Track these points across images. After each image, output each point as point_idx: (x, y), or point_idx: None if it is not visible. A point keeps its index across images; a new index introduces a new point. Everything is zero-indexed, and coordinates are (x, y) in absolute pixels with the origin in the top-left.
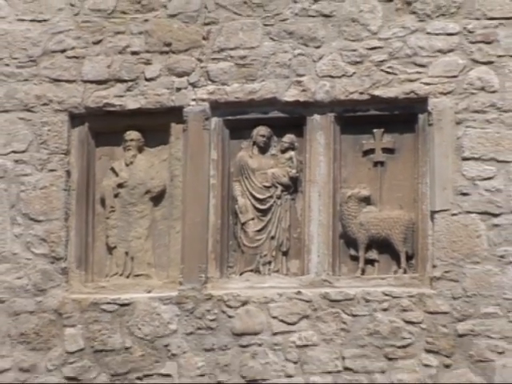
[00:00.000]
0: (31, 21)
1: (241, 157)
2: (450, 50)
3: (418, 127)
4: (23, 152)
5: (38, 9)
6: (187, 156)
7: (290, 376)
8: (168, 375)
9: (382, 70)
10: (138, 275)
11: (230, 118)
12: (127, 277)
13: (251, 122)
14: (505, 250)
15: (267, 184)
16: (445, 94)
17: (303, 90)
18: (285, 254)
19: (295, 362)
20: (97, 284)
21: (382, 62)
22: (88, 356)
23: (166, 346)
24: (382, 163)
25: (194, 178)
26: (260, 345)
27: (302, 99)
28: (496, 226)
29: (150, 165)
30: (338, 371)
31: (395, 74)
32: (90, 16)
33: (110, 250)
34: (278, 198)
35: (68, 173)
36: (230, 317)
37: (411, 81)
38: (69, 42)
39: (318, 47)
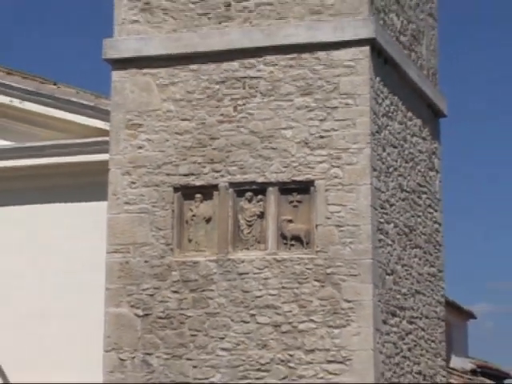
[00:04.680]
0: (158, 151)
1: (241, 204)
2: (323, 162)
3: (311, 192)
4: (155, 202)
5: (158, 146)
6: (220, 204)
7: (260, 290)
8: (212, 290)
9: (296, 170)
10: (200, 250)
11: (236, 189)
12: (196, 251)
13: (244, 191)
14: (344, 239)
15: (251, 215)
16: (321, 179)
17: (265, 178)
18: (259, 242)
19: (263, 285)
20: (184, 254)
21: (296, 166)
22: (180, 283)
23: (212, 279)
24: (297, 206)
25: (222, 212)
26: (249, 278)
27: (265, 181)
28: (341, 231)
29: (205, 208)
30: (279, 288)
31: (297, 172)
32: (179, 149)
33: (190, 240)
34: (256, 220)
35: (173, 211)
36: (237, 267)
37: (308, 174)
38: (172, 160)
39: (272, 165)
